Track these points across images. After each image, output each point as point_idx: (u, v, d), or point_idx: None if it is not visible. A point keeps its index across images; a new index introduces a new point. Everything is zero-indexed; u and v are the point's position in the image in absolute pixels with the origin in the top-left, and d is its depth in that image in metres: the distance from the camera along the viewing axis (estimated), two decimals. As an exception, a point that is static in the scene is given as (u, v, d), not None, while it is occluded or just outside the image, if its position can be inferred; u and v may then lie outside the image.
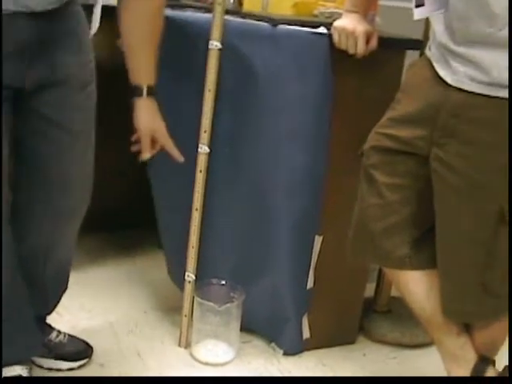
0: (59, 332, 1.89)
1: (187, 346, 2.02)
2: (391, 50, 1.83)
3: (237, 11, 1.99)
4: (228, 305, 1.94)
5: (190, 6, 2.11)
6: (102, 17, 1.65)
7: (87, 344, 1.91)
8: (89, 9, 1.66)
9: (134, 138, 1.76)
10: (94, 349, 1.91)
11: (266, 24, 1.81)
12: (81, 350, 1.89)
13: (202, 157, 1.90)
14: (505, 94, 1.35)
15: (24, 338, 1.71)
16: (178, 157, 1.78)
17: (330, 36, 1.71)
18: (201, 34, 1.85)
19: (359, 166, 1.65)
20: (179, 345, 2.03)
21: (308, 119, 1.81)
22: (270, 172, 1.89)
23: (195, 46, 1.89)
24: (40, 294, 1.75)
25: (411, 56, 1.90)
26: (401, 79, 1.86)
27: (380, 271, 2.25)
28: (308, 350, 2.06)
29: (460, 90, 1.41)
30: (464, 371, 1.59)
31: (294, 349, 2.05)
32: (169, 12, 1.91)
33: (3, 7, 1.39)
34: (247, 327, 2.07)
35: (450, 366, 1.62)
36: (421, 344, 2.12)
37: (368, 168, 1.60)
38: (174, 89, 2.00)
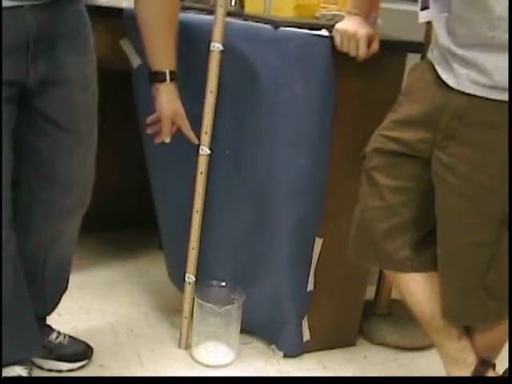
0: (59, 333, 1.88)
1: (187, 347, 2.02)
2: (393, 52, 1.83)
3: (239, 13, 1.99)
4: (228, 306, 1.94)
5: (192, 8, 2.11)
6: (104, 18, 1.65)
7: (87, 345, 1.91)
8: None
9: (149, 120, 1.79)
10: (93, 350, 1.91)
11: (267, 26, 1.81)
12: (81, 351, 1.89)
13: (202, 158, 1.90)
14: (507, 97, 1.35)
15: (25, 339, 1.70)
16: (194, 140, 1.83)
17: (331, 38, 1.71)
18: (202, 36, 1.85)
19: (360, 168, 1.66)
20: (179, 346, 2.03)
21: (309, 121, 1.81)
22: (271, 174, 1.89)
23: (197, 48, 1.88)
24: (39, 293, 1.75)
25: (412, 59, 1.90)
26: (402, 82, 1.86)
27: (380, 274, 2.25)
28: (308, 352, 2.06)
29: (462, 93, 1.42)
30: (465, 374, 1.59)
31: (294, 351, 2.05)
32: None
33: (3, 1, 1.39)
34: (247, 329, 2.07)
35: (451, 368, 1.62)
36: (421, 346, 2.12)
37: (370, 170, 1.60)
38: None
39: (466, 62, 1.40)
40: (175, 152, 2.04)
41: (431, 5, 1.41)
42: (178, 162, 2.04)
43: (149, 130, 1.82)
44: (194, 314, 1.98)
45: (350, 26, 1.67)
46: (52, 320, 1.90)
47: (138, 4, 1.68)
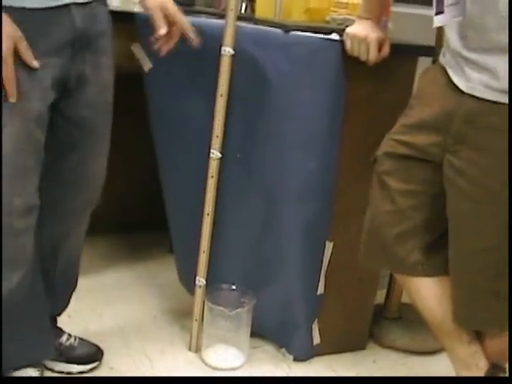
0: (70, 335, 1.89)
1: (197, 350, 2.03)
2: (403, 56, 1.83)
3: (249, 17, 2.00)
4: (238, 310, 1.94)
5: (204, 12, 2.12)
6: (116, 22, 1.67)
7: (98, 347, 1.92)
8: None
9: (155, 36, 1.70)
10: (104, 352, 1.91)
11: (278, 30, 1.81)
12: (91, 354, 1.90)
13: (213, 162, 1.91)
14: (519, 101, 1.35)
15: (38, 340, 1.71)
16: (195, 39, 1.73)
17: (342, 42, 1.71)
18: (213, 40, 1.85)
19: (370, 171, 1.66)
20: (189, 349, 2.04)
21: (320, 126, 1.81)
22: (281, 178, 1.89)
23: (208, 52, 1.89)
24: (51, 291, 1.76)
25: (423, 62, 1.90)
26: (413, 86, 1.86)
27: (391, 278, 2.25)
28: (318, 355, 2.06)
29: (473, 97, 1.42)
30: (476, 379, 1.59)
31: (304, 354, 2.05)
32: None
33: None
34: (258, 332, 2.07)
35: (462, 373, 1.61)
36: (431, 350, 2.11)
37: (381, 174, 1.60)
38: (186, 94, 2.01)
39: (477, 66, 1.40)
40: (186, 155, 2.06)
41: (446, 9, 1.41)
42: (189, 166, 2.04)
43: (156, 46, 1.74)
44: (205, 317, 1.99)
45: (361, 30, 1.67)
46: (62, 322, 1.91)
47: None
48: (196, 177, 1.98)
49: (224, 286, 2.01)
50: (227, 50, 1.82)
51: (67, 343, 1.87)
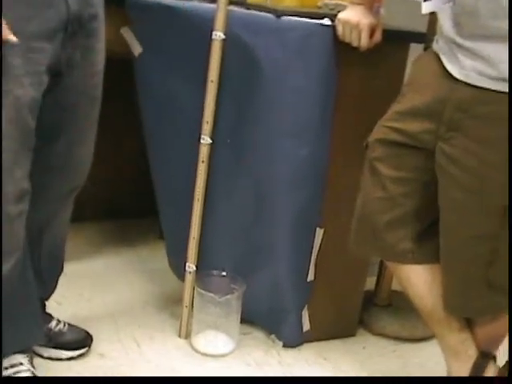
0: (59, 321, 1.88)
1: (187, 336, 2.02)
2: (395, 42, 1.82)
3: (241, 2, 1.97)
4: (228, 296, 1.93)
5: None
6: (108, 5, 1.65)
7: (87, 333, 1.91)
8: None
9: None
10: (93, 338, 1.90)
11: (269, 15, 1.79)
12: (81, 339, 1.89)
13: (204, 147, 1.90)
14: (512, 88, 1.34)
15: (29, 326, 1.70)
16: None
17: (334, 28, 1.70)
18: (204, 24, 1.84)
19: (361, 158, 1.65)
20: (179, 335, 2.03)
21: (311, 111, 1.80)
22: (272, 164, 1.88)
23: (198, 36, 1.87)
24: (37, 276, 1.74)
25: (414, 49, 1.90)
26: (405, 72, 1.86)
27: (381, 264, 2.25)
28: (308, 342, 2.06)
29: (467, 84, 1.41)
30: (465, 366, 1.59)
31: (293, 341, 2.05)
32: (173, 1, 1.90)
33: None
34: (247, 319, 2.06)
35: (451, 360, 1.62)
36: (421, 338, 2.12)
37: (372, 161, 1.60)
38: (176, 79, 1.99)
39: (471, 53, 1.39)
40: (176, 141, 2.04)
41: (434, -5, 1.40)
42: (179, 151, 2.03)
43: None
44: (195, 303, 1.98)
45: (353, 15, 1.66)
46: (51, 308, 1.90)
47: None
48: (186, 162, 1.97)
49: (214, 272, 2.01)
50: (218, 35, 1.80)
51: (56, 329, 1.86)
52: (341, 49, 1.71)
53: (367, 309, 2.21)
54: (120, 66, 2.04)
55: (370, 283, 2.23)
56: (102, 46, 1.62)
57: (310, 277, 1.96)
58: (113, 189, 2.68)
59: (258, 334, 2.10)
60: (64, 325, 1.88)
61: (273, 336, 2.07)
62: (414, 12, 1.67)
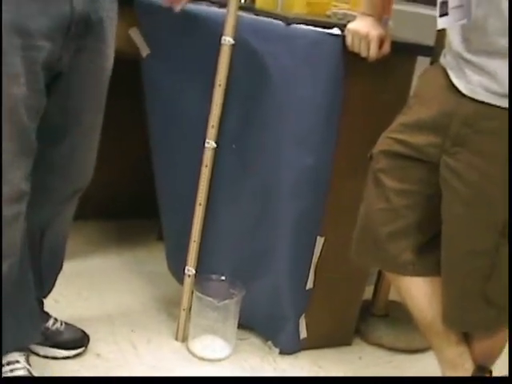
0: (56, 320, 1.88)
1: (184, 339, 2.02)
2: (403, 54, 1.83)
3: (250, 8, 1.98)
4: (227, 301, 1.93)
5: (205, 0, 2.10)
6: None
7: (84, 333, 1.91)
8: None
9: None
10: (90, 338, 1.90)
11: (279, 22, 1.80)
12: (77, 339, 1.89)
13: (208, 152, 1.90)
14: (519, 106, 1.35)
15: (27, 325, 1.70)
16: None
17: (343, 38, 1.70)
18: (214, 29, 1.84)
19: (365, 169, 1.65)
20: (176, 338, 2.03)
21: (316, 120, 1.81)
22: (275, 171, 1.89)
23: (207, 40, 1.88)
24: (35, 274, 1.74)
25: (421, 62, 1.90)
26: (411, 85, 1.86)
27: (379, 274, 2.26)
28: (304, 350, 2.06)
29: (473, 99, 1.42)
30: (462, 380, 1.60)
31: (290, 348, 2.05)
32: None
33: None
34: (245, 324, 2.06)
35: (448, 373, 1.62)
36: (417, 349, 2.13)
37: (377, 172, 1.60)
38: (184, 81, 1.99)
39: (478, 69, 1.40)
40: (181, 143, 2.05)
41: (450, 12, 1.40)
42: (183, 154, 2.04)
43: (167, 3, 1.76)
44: (193, 306, 1.98)
45: (363, 26, 1.66)
46: (49, 306, 1.89)
47: None
48: (190, 166, 1.97)
49: (213, 276, 2.01)
50: (227, 40, 1.80)
51: (53, 328, 1.86)
52: (349, 59, 1.72)
53: (364, 318, 2.21)
54: (124, 66, 2.04)
55: (368, 293, 2.23)
56: (109, 51, 1.60)
57: (309, 285, 1.96)
58: (114, 189, 2.68)
59: (255, 340, 2.10)
60: (61, 324, 1.88)
61: (269, 342, 2.07)
62: (421, 25, 1.68)
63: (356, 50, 1.68)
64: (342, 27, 1.71)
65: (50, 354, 1.84)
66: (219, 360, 1.97)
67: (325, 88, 1.77)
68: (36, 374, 1.70)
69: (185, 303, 2.00)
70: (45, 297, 1.87)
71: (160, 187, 2.14)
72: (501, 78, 1.37)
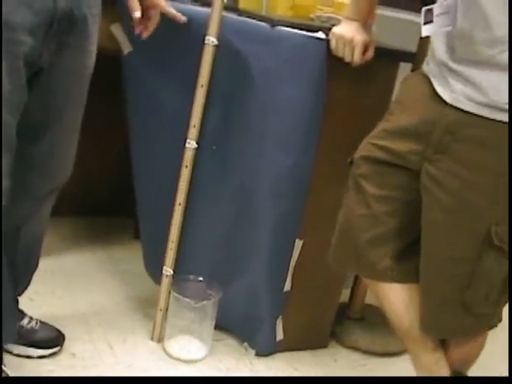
0: (31, 318, 1.86)
1: (160, 340, 2.01)
2: (386, 60, 1.84)
3: (234, 8, 1.97)
4: (204, 302, 1.93)
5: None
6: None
7: (59, 332, 1.89)
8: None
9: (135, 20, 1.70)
10: (65, 337, 1.88)
11: (264, 24, 1.80)
12: (52, 338, 1.87)
13: (189, 152, 1.89)
14: (502, 117, 1.36)
15: (4, 323, 1.68)
16: (179, 17, 1.78)
17: (327, 41, 1.71)
18: (197, 28, 1.83)
19: (345, 173, 1.65)
20: (152, 338, 2.02)
21: (297, 123, 1.81)
22: (255, 172, 1.89)
23: (190, 40, 1.86)
24: (10, 271, 1.71)
25: (403, 68, 1.91)
26: (393, 90, 1.87)
27: (356, 278, 2.26)
28: (280, 351, 2.07)
29: (456, 108, 1.42)
30: (438, 386, 1.61)
31: (266, 350, 2.05)
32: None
33: None
34: (221, 325, 2.06)
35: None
36: (392, 353, 2.14)
37: (357, 177, 1.60)
38: (166, 80, 1.98)
39: (462, 78, 1.41)
40: (161, 143, 2.03)
41: (435, 19, 1.41)
42: (163, 154, 2.02)
43: (136, 31, 1.76)
44: (170, 307, 1.97)
45: (348, 31, 1.67)
46: (23, 304, 1.87)
47: None
48: (169, 165, 1.96)
49: (191, 277, 2.00)
50: (211, 40, 1.80)
51: (28, 326, 1.84)
52: (332, 63, 1.72)
53: (340, 321, 2.22)
54: (106, 61, 2.02)
55: (344, 296, 2.24)
56: (92, 48, 1.58)
57: (287, 287, 1.97)
58: (90, 186, 2.66)
59: (231, 341, 2.10)
60: (36, 323, 1.86)
61: (246, 344, 2.07)
62: (404, 30, 1.69)
63: (340, 54, 1.69)
64: (327, 31, 1.71)
65: (23, 353, 1.82)
66: (195, 361, 1.97)
67: (307, 90, 1.77)
68: (10, 373, 1.68)
69: (162, 303, 1.99)
70: (19, 295, 1.84)
71: (139, 186, 2.12)
72: (486, 88, 1.37)
